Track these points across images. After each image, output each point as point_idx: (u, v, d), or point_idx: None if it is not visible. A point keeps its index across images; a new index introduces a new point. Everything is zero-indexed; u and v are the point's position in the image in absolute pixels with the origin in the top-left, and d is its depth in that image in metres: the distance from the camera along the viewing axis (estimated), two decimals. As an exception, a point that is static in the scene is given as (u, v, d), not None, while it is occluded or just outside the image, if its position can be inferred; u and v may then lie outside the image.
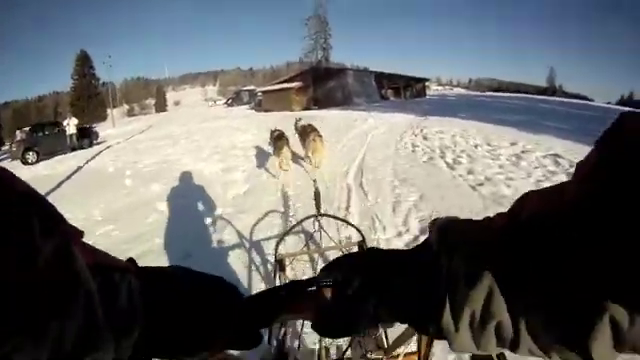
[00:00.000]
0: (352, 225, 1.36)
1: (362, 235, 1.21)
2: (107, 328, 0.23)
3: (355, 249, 1.22)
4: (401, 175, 5.06)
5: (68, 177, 7.86)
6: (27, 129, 13.99)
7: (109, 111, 38.74)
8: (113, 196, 5.61)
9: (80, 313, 0.20)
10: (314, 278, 0.36)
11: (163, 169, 7.24)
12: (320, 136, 5.43)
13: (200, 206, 4.62)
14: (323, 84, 23.14)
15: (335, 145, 7.58)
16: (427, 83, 32.23)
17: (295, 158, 5.92)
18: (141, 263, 0.33)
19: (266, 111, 22.03)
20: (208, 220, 4.06)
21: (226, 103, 40.21)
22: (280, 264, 1.19)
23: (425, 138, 7.69)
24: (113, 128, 27.10)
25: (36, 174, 9.18)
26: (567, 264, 0.20)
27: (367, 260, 0.35)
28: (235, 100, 37.78)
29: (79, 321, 0.20)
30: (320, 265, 1.68)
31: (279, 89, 23.30)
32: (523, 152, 5.85)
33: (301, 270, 2.47)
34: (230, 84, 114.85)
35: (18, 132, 14.13)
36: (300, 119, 6.77)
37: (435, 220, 0.32)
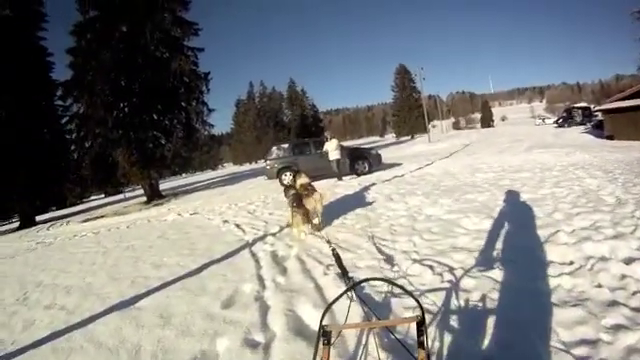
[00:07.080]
0: (411, 295, 1.09)
1: (421, 308, 1.02)
2: None
3: (413, 325, 1.02)
4: None
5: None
6: (285, 146, 11.69)
7: (430, 125, 38.95)
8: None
9: None
10: None
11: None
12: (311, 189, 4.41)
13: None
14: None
15: None
16: None
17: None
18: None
19: (609, 138, 16.52)
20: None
21: (556, 122, 35.31)
22: (325, 336, 1.02)
23: None
24: (428, 144, 25.29)
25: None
26: None
27: None
28: (565, 119, 32.52)
29: None
30: (371, 339, 1.48)
31: (628, 107, 16.51)
32: None
33: (351, 344, 1.89)
34: (557, 100, 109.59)
35: (274, 148, 11.69)
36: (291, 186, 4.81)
37: None
